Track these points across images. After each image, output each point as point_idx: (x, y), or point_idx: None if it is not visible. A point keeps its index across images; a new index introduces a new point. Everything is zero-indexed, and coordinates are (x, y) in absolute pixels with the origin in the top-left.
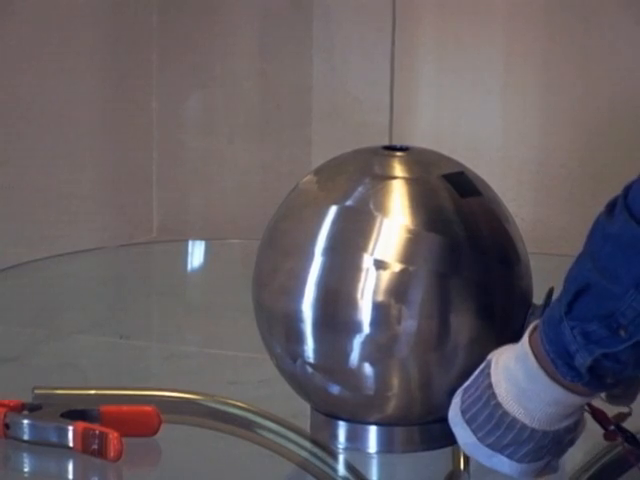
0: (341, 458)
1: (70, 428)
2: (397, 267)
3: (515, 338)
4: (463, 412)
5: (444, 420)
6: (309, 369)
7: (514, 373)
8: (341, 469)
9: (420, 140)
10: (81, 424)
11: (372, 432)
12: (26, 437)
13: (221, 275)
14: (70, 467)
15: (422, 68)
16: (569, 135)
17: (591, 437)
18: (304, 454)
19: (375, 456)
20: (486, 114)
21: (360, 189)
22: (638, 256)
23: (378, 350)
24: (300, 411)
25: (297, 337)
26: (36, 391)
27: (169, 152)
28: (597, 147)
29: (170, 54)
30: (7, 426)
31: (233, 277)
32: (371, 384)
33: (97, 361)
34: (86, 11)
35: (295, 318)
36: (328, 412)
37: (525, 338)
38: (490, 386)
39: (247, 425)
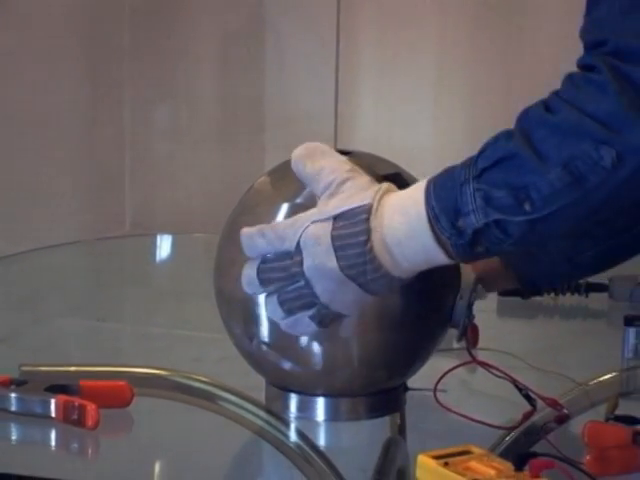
0: (293, 426)
1: (52, 401)
2: None
3: (444, 319)
4: (334, 238)
5: (383, 392)
6: (264, 347)
7: (396, 225)
8: (293, 436)
9: (361, 145)
10: (62, 397)
11: (320, 403)
12: (13, 409)
13: (186, 265)
14: (52, 435)
15: (363, 81)
16: None
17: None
18: (260, 423)
19: (323, 424)
20: (419, 120)
21: (308, 188)
22: (572, 139)
23: (325, 331)
24: (256, 385)
25: (253, 320)
26: (22, 368)
27: (140, 156)
28: None
29: (141, 69)
30: None
31: (197, 267)
32: (319, 361)
33: (77, 341)
34: (65, 28)
35: (252, 303)
36: (281, 385)
37: (419, 195)
38: (366, 231)
39: (209, 397)
